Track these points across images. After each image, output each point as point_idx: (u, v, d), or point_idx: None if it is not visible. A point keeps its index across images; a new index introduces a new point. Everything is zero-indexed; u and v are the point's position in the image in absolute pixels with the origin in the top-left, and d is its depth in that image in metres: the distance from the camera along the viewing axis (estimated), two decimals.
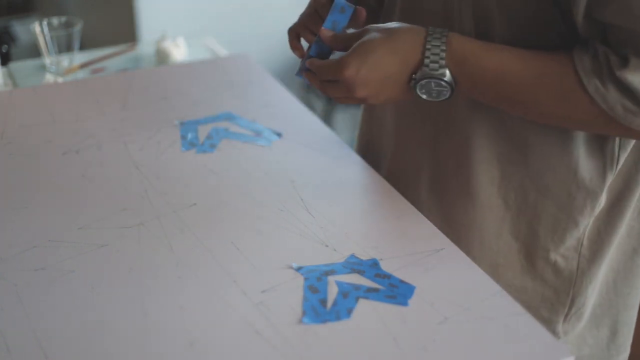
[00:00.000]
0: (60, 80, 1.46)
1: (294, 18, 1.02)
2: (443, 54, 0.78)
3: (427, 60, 0.78)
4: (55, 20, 1.48)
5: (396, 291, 0.79)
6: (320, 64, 0.85)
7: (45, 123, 1.12)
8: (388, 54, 0.80)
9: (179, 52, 1.59)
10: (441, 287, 0.80)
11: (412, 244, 0.87)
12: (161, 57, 1.58)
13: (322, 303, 0.77)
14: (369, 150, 1.07)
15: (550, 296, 0.93)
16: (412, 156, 0.96)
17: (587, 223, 0.89)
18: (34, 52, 1.55)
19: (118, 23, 2.43)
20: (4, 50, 2.08)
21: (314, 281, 0.80)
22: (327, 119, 2.60)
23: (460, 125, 0.89)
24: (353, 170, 1.01)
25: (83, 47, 1.57)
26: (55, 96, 1.20)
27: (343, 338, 0.73)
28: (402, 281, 0.80)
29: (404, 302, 0.78)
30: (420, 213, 0.92)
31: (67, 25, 1.48)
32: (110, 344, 0.73)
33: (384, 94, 0.82)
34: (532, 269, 0.92)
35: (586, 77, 0.75)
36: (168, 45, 1.58)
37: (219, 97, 1.19)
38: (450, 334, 0.74)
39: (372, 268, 0.82)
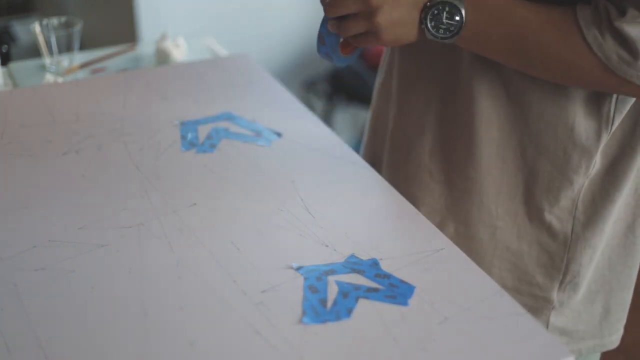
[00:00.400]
0: (60, 80, 1.46)
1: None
2: None
3: None
4: (55, 20, 1.48)
5: (396, 291, 0.79)
6: None
7: (45, 123, 1.12)
8: None
9: (179, 52, 1.59)
10: (441, 287, 0.80)
11: (412, 244, 0.87)
12: (161, 57, 1.58)
13: (322, 303, 0.77)
14: (377, 126, 1.09)
15: (545, 261, 0.96)
16: (416, 121, 0.98)
17: (581, 183, 0.91)
18: (34, 52, 1.55)
19: (118, 23, 2.43)
20: (4, 50, 2.08)
21: (314, 281, 0.80)
22: (327, 119, 2.60)
23: (464, 86, 0.92)
24: (353, 170, 1.01)
25: (83, 47, 1.57)
26: (55, 96, 1.20)
27: (343, 338, 0.73)
28: (402, 281, 0.81)
29: (404, 302, 0.78)
30: (420, 213, 0.92)
31: (67, 25, 1.48)
32: (110, 344, 0.73)
33: (396, 13, 0.82)
34: (528, 231, 0.95)
35: (586, 26, 0.78)
36: (168, 45, 1.58)
37: (219, 97, 1.19)
38: (450, 334, 0.74)
39: (372, 268, 0.82)
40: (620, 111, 0.88)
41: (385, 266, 0.83)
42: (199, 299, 0.78)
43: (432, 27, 0.83)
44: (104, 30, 2.56)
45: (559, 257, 0.95)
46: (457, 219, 0.97)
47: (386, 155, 1.05)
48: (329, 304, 0.77)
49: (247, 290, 0.79)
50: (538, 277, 0.96)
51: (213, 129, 1.10)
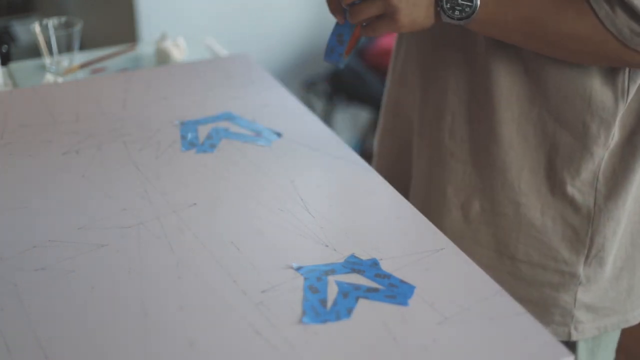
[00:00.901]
0: (60, 80, 1.46)
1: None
2: None
3: None
4: (55, 20, 1.48)
5: (396, 291, 0.79)
6: None
7: (45, 123, 1.12)
8: None
9: (179, 52, 1.59)
10: (441, 287, 0.80)
11: (412, 244, 0.87)
12: (161, 57, 1.58)
13: (322, 303, 0.77)
14: (400, 112, 1.10)
15: (570, 235, 0.97)
16: (435, 104, 1.00)
17: (601, 155, 0.93)
18: (34, 52, 1.55)
19: (118, 23, 2.43)
20: (4, 50, 2.08)
21: (314, 281, 0.80)
22: (327, 119, 2.60)
23: (482, 66, 0.94)
24: (353, 170, 1.01)
25: (83, 47, 1.56)
26: (55, 96, 1.20)
27: (343, 338, 0.73)
28: (402, 281, 0.81)
29: (404, 302, 0.78)
30: (420, 213, 0.92)
31: (67, 25, 1.48)
32: (110, 344, 0.73)
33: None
34: (551, 205, 0.96)
35: (596, 3, 0.81)
36: (168, 45, 1.58)
37: (219, 97, 1.19)
38: (450, 334, 0.74)
39: (372, 268, 0.82)
40: (635, 80, 0.90)
41: (385, 266, 0.83)
42: (199, 299, 0.78)
43: (448, 8, 0.84)
44: (104, 30, 2.55)
45: (583, 230, 0.96)
46: (482, 196, 0.99)
47: (415, 142, 1.06)
48: (329, 304, 0.77)
49: (247, 290, 0.79)
50: (563, 252, 0.97)
51: (213, 129, 1.10)
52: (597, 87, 0.90)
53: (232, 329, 0.74)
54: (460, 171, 1.00)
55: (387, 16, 0.85)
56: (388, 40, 2.52)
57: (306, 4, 2.50)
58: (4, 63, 1.60)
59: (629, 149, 0.94)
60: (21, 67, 1.54)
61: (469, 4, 0.84)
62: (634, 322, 1.04)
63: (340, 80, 2.58)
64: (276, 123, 1.12)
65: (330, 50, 0.93)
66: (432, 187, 1.04)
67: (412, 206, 0.93)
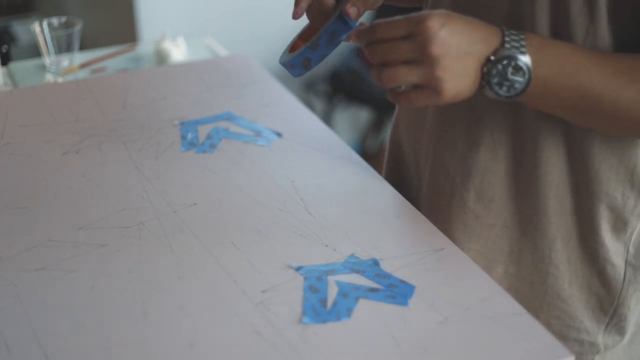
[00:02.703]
0: (60, 80, 1.46)
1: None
2: (523, 42, 0.73)
3: (507, 42, 0.73)
4: (55, 20, 1.48)
5: (396, 291, 0.79)
6: (390, 19, 0.73)
7: (45, 123, 1.12)
8: (470, 26, 0.73)
9: (179, 52, 1.59)
10: (441, 287, 0.80)
11: (412, 244, 0.87)
12: (161, 57, 1.58)
13: (322, 303, 0.77)
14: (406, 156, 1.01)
15: (593, 304, 0.92)
16: (459, 162, 0.91)
17: (635, 226, 0.88)
18: (34, 52, 1.55)
19: (118, 23, 2.43)
20: (4, 50, 2.08)
21: (314, 281, 0.80)
22: (327, 119, 2.60)
23: (528, 134, 0.85)
24: (353, 170, 1.01)
25: (83, 47, 1.57)
26: (55, 96, 1.20)
27: (343, 338, 0.73)
28: (402, 281, 0.80)
29: (404, 302, 0.78)
30: (420, 213, 0.92)
31: (67, 25, 1.48)
32: (110, 344, 0.73)
33: (456, 69, 0.72)
34: (579, 275, 0.91)
35: None
36: (168, 45, 1.58)
37: (219, 97, 1.19)
38: (450, 334, 0.74)
39: (372, 268, 0.82)
40: None
41: (385, 266, 0.83)
42: (199, 299, 0.78)
43: (495, 83, 0.73)
44: (104, 30, 2.56)
45: (607, 301, 0.91)
46: (508, 260, 0.92)
47: (424, 193, 0.97)
48: (329, 304, 0.77)
49: (247, 290, 0.79)
50: (586, 321, 0.92)
51: (213, 129, 1.10)
52: None
53: (232, 329, 0.74)
54: (484, 235, 0.92)
55: (430, 88, 0.73)
56: None
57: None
58: (4, 63, 1.60)
59: None
60: (21, 67, 1.54)
61: (519, 79, 0.73)
62: None
63: (340, 80, 2.59)
64: (276, 123, 1.12)
65: (290, 66, 0.86)
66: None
67: (412, 206, 0.93)
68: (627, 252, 0.90)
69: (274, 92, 1.22)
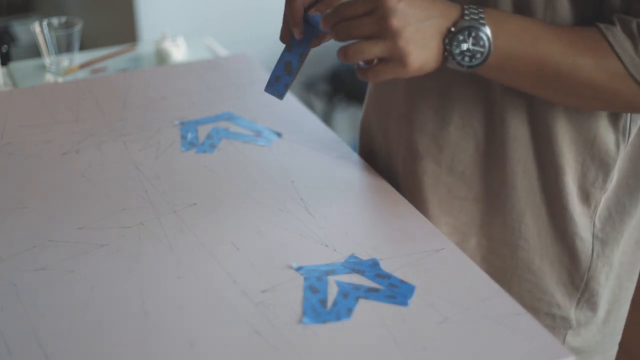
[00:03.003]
0: (60, 80, 1.46)
1: None
2: (482, 14, 0.75)
3: (467, 14, 0.75)
4: (55, 20, 1.48)
5: (396, 291, 0.79)
6: None
7: (45, 123, 1.12)
8: (429, 0, 0.75)
9: (179, 52, 1.59)
10: (441, 287, 0.80)
11: (412, 244, 0.87)
12: (161, 57, 1.58)
13: (322, 303, 0.77)
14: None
15: (565, 279, 0.94)
16: (430, 137, 0.94)
17: (598, 199, 0.90)
18: (34, 52, 1.55)
19: (118, 23, 2.43)
20: (4, 50, 2.09)
21: (314, 281, 0.80)
22: (327, 119, 2.60)
23: (495, 111, 0.88)
24: (353, 170, 1.01)
25: (83, 47, 1.57)
26: (55, 96, 1.20)
27: (343, 338, 0.73)
28: (402, 281, 0.80)
29: (404, 302, 0.78)
30: (420, 213, 0.92)
31: (67, 25, 1.48)
32: (110, 344, 0.73)
33: (418, 39, 0.74)
34: (550, 250, 0.93)
35: (621, 48, 0.75)
36: (168, 45, 1.58)
37: (219, 97, 1.19)
38: (450, 334, 0.74)
39: (372, 268, 0.82)
40: (636, 122, 0.87)
41: (385, 266, 0.83)
42: (199, 299, 0.78)
43: (457, 54, 0.75)
44: (104, 30, 2.55)
45: (578, 276, 0.93)
46: (480, 232, 0.94)
47: (401, 168, 0.99)
48: (329, 304, 0.77)
49: (247, 290, 0.79)
50: (557, 296, 0.94)
51: (213, 129, 1.10)
52: (602, 129, 0.86)
53: (232, 329, 0.74)
54: (457, 208, 0.94)
55: (394, 60, 0.74)
56: None
57: None
58: (4, 63, 1.60)
59: (623, 191, 0.90)
60: (21, 67, 1.54)
61: (480, 49, 0.75)
62: None
63: (340, 80, 2.58)
64: (276, 123, 1.12)
65: (275, 78, 0.84)
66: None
67: (412, 206, 0.93)
68: (594, 226, 0.91)
69: None
